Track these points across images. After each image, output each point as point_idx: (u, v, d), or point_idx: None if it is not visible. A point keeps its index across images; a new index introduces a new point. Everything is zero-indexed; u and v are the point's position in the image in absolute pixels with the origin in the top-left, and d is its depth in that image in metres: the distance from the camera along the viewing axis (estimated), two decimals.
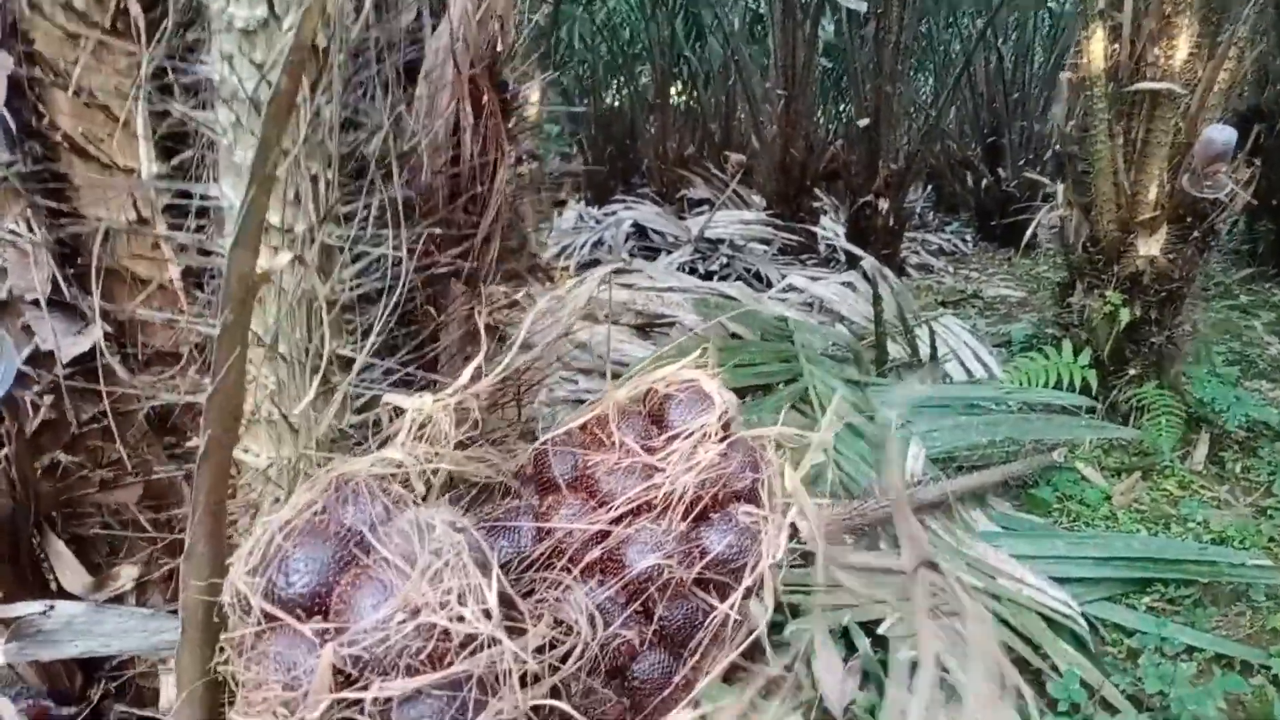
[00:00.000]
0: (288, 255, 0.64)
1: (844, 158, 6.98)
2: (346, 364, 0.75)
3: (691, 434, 0.81)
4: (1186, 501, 3.60)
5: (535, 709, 0.69)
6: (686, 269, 5.75)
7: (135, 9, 0.73)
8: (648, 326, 3.33)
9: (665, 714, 0.80)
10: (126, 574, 0.78)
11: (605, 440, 0.84)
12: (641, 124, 9.15)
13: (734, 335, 3.49)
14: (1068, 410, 3.63)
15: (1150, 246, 3.76)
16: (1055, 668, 2.69)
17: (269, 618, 0.61)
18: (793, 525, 0.93)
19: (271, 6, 0.65)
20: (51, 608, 0.76)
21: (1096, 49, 3.55)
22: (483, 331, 0.79)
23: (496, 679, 0.64)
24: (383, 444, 0.74)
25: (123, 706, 0.83)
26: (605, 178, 8.66)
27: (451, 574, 0.63)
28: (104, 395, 0.73)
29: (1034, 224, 4.05)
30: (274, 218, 0.67)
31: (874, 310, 3.69)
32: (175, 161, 0.76)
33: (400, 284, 0.72)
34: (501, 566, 0.75)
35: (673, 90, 8.90)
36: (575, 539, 0.77)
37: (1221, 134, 3.50)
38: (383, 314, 0.71)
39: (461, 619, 0.60)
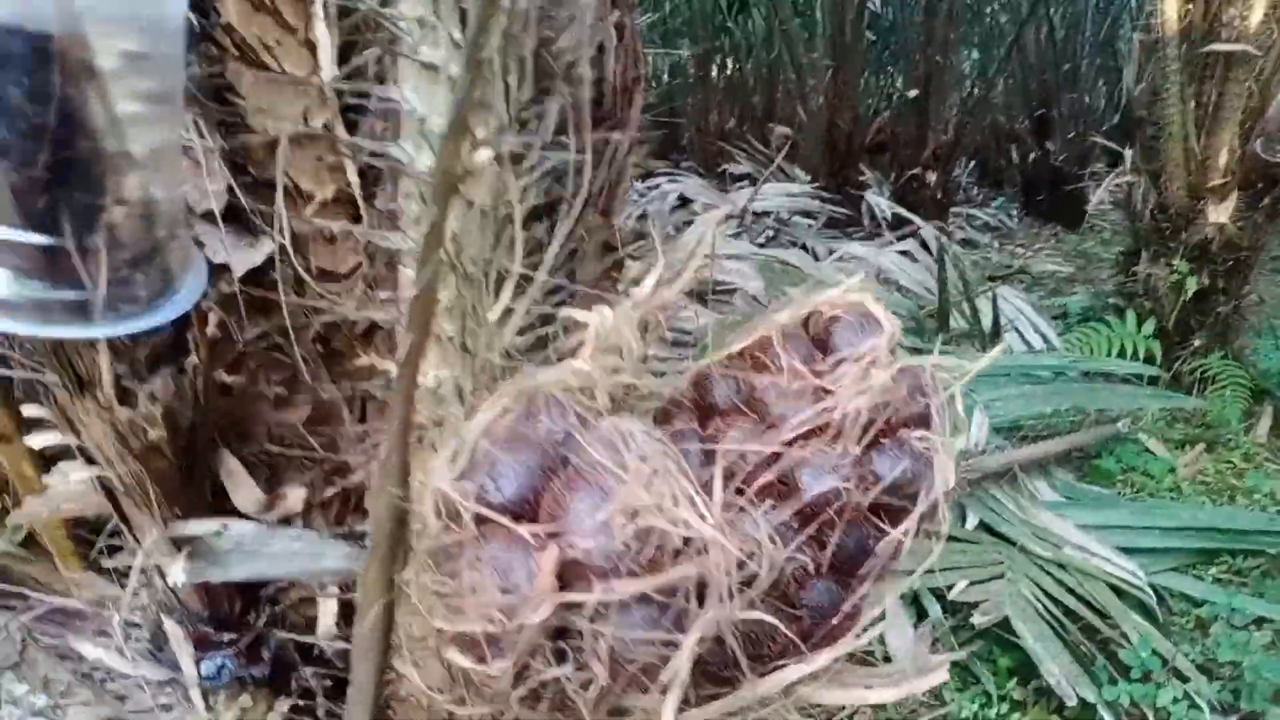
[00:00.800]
0: (488, 153, 0.63)
1: (891, 130, 6.90)
2: (522, 281, 0.74)
3: (861, 357, 0.80)
4: (1252, 474, 3.55)
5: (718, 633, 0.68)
6: None
7: None
8: (709, 295, 3.30)
9: (831, 643, 0.79)
10: (295, 496, 0.78)
11: (769, 364, 0.83)
12: (682, 97, 9.08)
13: None
14: (1131, 380, 3.58)
15: (1220, 214, 3.69)
16: (1125, 636, 2.67)
17: (481, 522, 0.61)
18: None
19: None
20: (226, 527, 0.75)
21: (1171, 8, 3.48)
22: (659, 244, 0.78)
23: (704, 589, 0.63)
24: (563, 358, 0.73)
25: (281, 633, 0.83)
26: (646, 152, 8.60)
27: (662, 480, 0.62)
28: (283, 309, 0.72)
29: (1100, 190, 3.98)
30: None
31: (938, 278, 3.65)
32: (346, 70, 0.74)
33: (584, 191, 0.70)
34: None
35: (714, 63, 8.83)
36: (747, 462, 0.76)
37: None
38: (571, 222, 0.70)
39: (683, 523, 0.59)
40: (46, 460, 0.84)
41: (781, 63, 8.03)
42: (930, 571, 2.63)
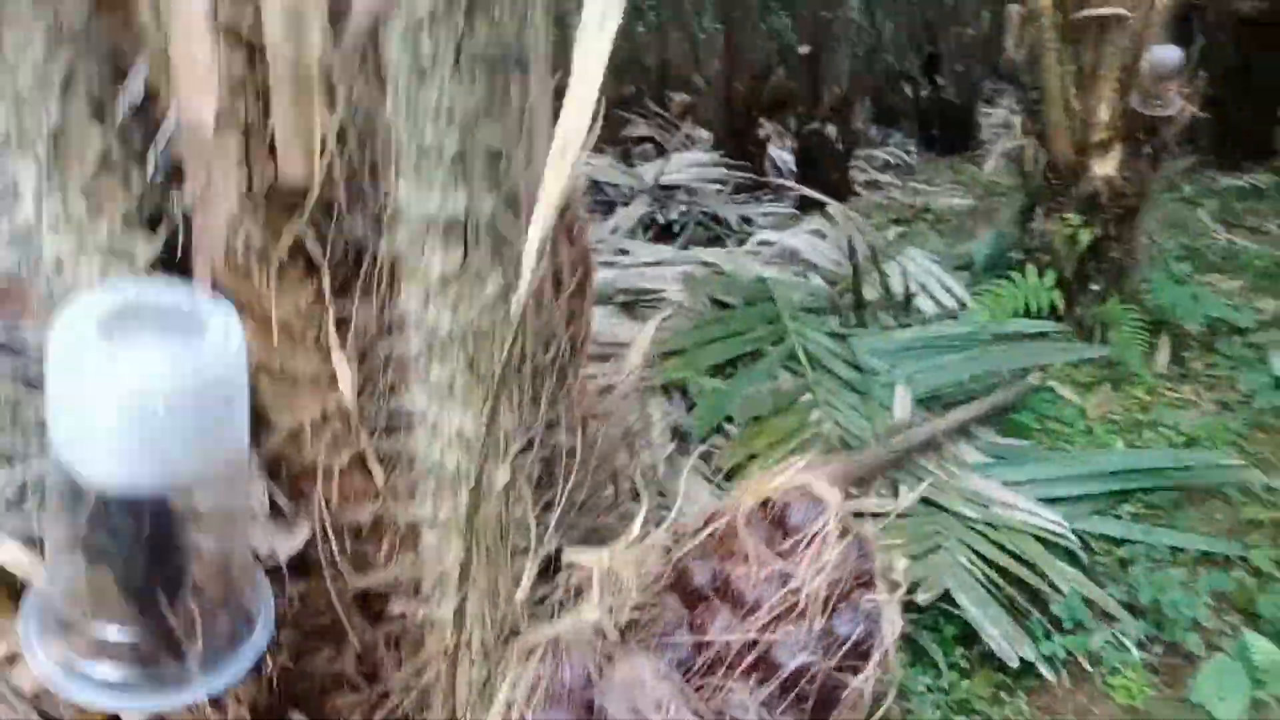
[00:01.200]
0: (505, 477, 0.76)
1: (788, 86, 7.05)
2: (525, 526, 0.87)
3: (813, 536, 0.95)
4: (1157, 407, 3.84)
5: None
6: (646, 220, 5.82)
7: None
8: (635, 303, 3.45)
9: None
10: None
11: (734, 549, 0.98)
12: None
13: (719, 303, 3.62)
14: (1039, 336, 3.82)
15: (1105, 167, 3.93)
16: (1055, 587, 2.92)
17: None
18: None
19: None
20: None
21: None
22: (642, 491, 0.92)
23: None
24: (567, 598, 0.87)
25: None
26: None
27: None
28: (327, 581, 0.85)
29: (991, 159, 4.19)
30: None
31: (850, 264, 3.84)
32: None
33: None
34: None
35: None
36: (731, 647, 0.92)
37: (1170, 53, 3.67)
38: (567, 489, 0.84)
39: None
40: None
41: (674, 24, 8.11)
42: (878, 550, 2.81)
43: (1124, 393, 3.93)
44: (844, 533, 0.98)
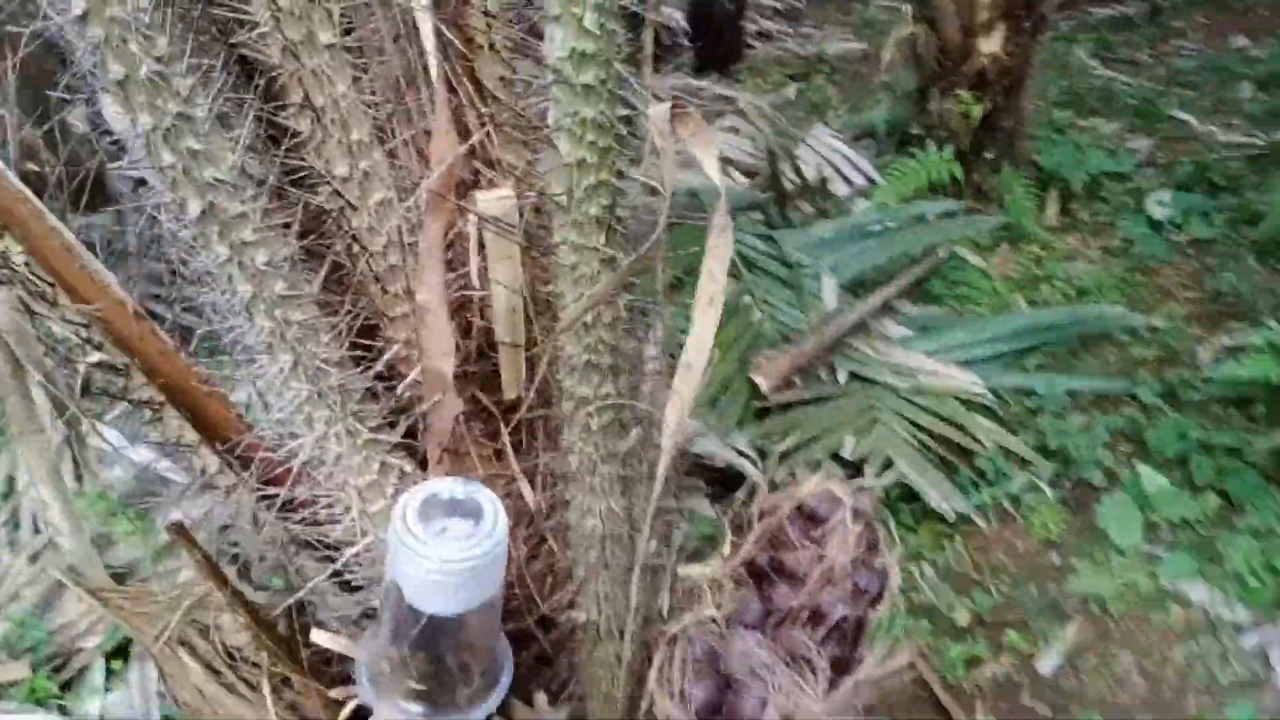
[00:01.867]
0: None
1: None
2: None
3: (837, 524, 1.40)
4: (1050, 262, 4.36)
5: None
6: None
7: None
8: None
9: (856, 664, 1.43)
10: (541, 699, 1.33)
11: (782, 539, 1.42)
12: None
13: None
14: (946, 216, 4.29)
15: (991, 44, 4.33)
16: (977, 440, 3.46)
17: None
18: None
19: None
20: None
21: None
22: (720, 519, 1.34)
23: None
24: (686, 600, 1.30)
25: None
26: None
27: (777, 674, 1.22)
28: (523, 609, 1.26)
29: (887, 47, 4.55)
30: None
31: (770, 167, 4.22)
32: None
33: None
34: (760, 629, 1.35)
35: None
36: (791, 609, 1.37)
37: None
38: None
39: (795, 697, 1.20)
40: None
41: None
42: (824, 434, 3.33)
43: (1021, 250, 4.44)
44: (857, 515, 1.42)
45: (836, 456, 3.40)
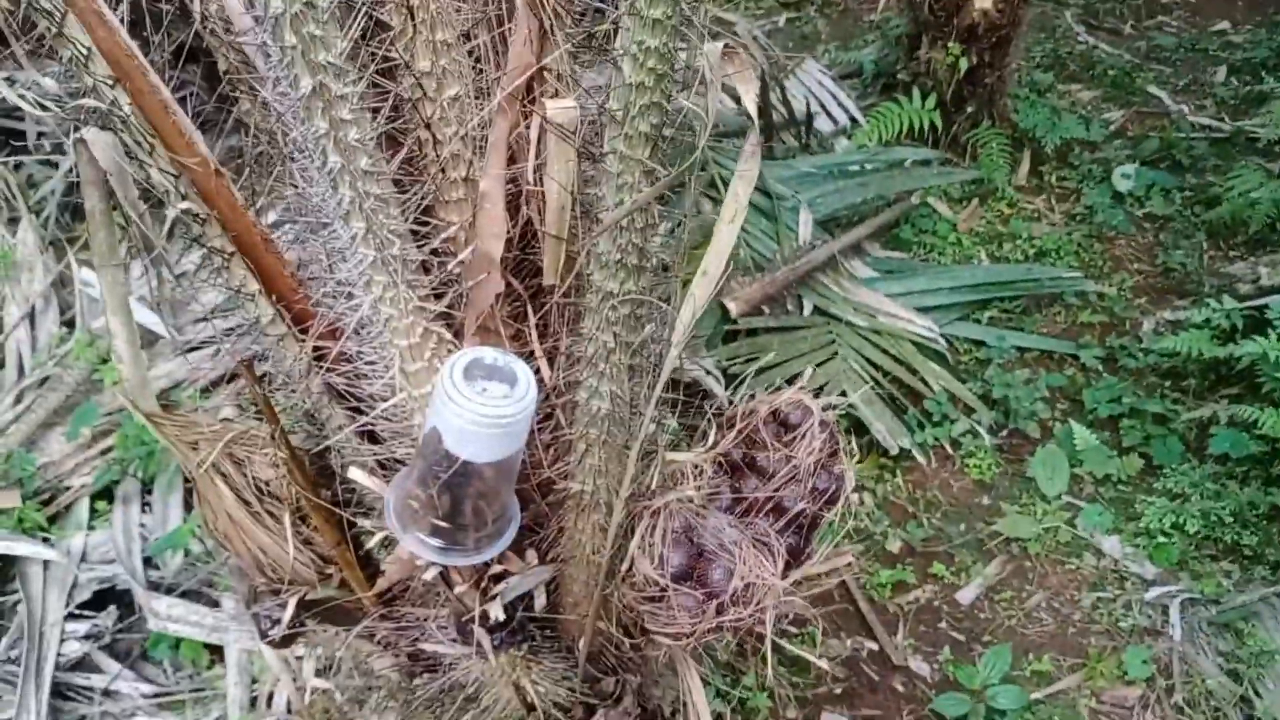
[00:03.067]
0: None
1: None
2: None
3: (805, 431, 1.60)
4: (1014, 220, 4.58)
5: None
6: None
7: None
8: None
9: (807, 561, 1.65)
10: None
11: (756, 439, 1.63)
12: None
13: None
14: (923, 164, 4.48)
15: (984, 1, 4.49)
16: (927, 384, 3.71)
17: (660, 586, 1.40)
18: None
19: None
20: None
21: None
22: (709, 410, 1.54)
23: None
24: (670, 480, 1.50)
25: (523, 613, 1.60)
26: None
27: (744, 550, 1.43)
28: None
29: None
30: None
31: (760, 98, 4.36)
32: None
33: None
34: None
35: None
36: (757, 500, 1.58)
37: None
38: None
39: (758, 572, 1.41)
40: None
41: None
42: (786, 361, 3.56)
43: (989, 206, 4.66)
44: (823, 425, 1.63)
45: (794, 384, 3.62)
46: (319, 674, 1.89)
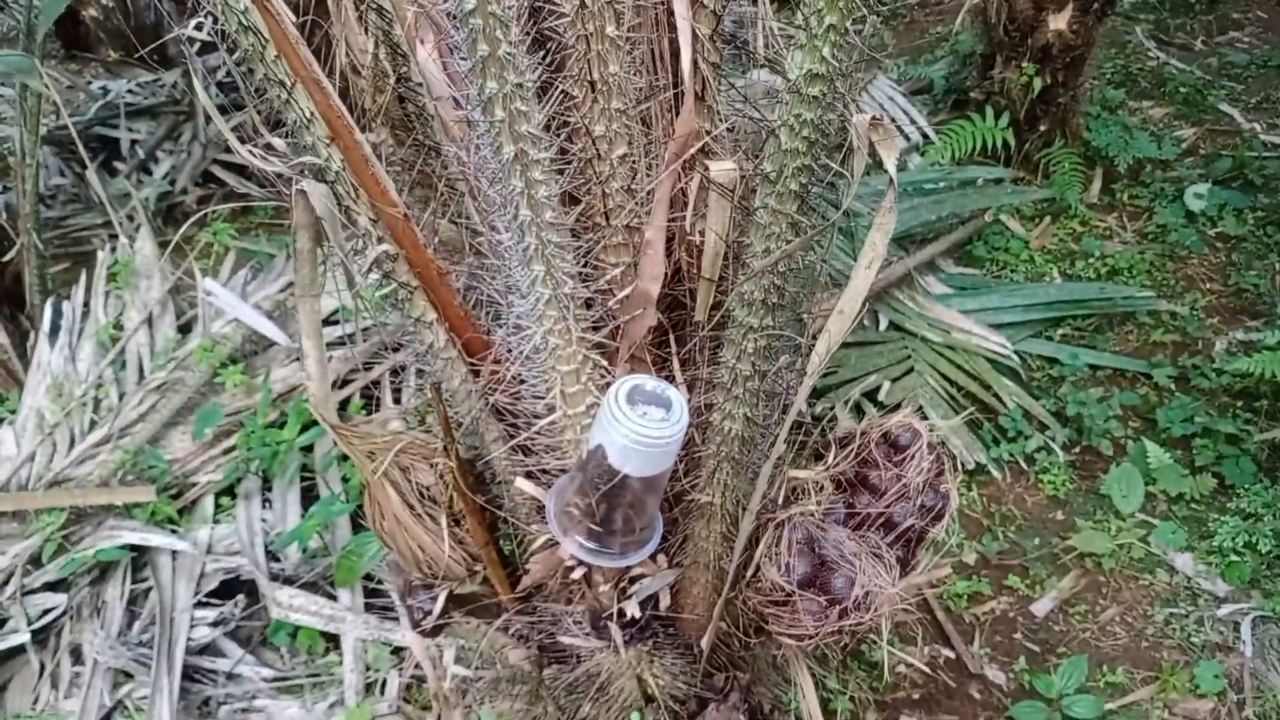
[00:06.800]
0: None
1: None
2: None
3: (914, 452, 1.77)
4: (1086, 239, 4.69)
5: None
6: None
7: None
8: None
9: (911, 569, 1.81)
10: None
11: (868, 459, 1.79)
12: None
13: None
14: (996, 182, 4.61)
15: (1059, 21, 4.61)
16: (1001, 400, 3.84)
17: (786, 591, 1.57)
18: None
19: None
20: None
21: None
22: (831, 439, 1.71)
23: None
24: (792, 495, 1.67)
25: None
26: None
27: (863, 560, 1.60)
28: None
29: (961, 11, 4.82)
30: None
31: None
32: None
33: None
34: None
35: None
36: (869, 515, 1.75)
37: None
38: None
39: (876, 580, 1.57)
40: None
41: None
42: (863, 375, 3.73)
43: (1061, 224, 4.77)
44: (930, 447, 1.79)
45: (872, 398, 3.78)
46: (457, 662, 2.08)
